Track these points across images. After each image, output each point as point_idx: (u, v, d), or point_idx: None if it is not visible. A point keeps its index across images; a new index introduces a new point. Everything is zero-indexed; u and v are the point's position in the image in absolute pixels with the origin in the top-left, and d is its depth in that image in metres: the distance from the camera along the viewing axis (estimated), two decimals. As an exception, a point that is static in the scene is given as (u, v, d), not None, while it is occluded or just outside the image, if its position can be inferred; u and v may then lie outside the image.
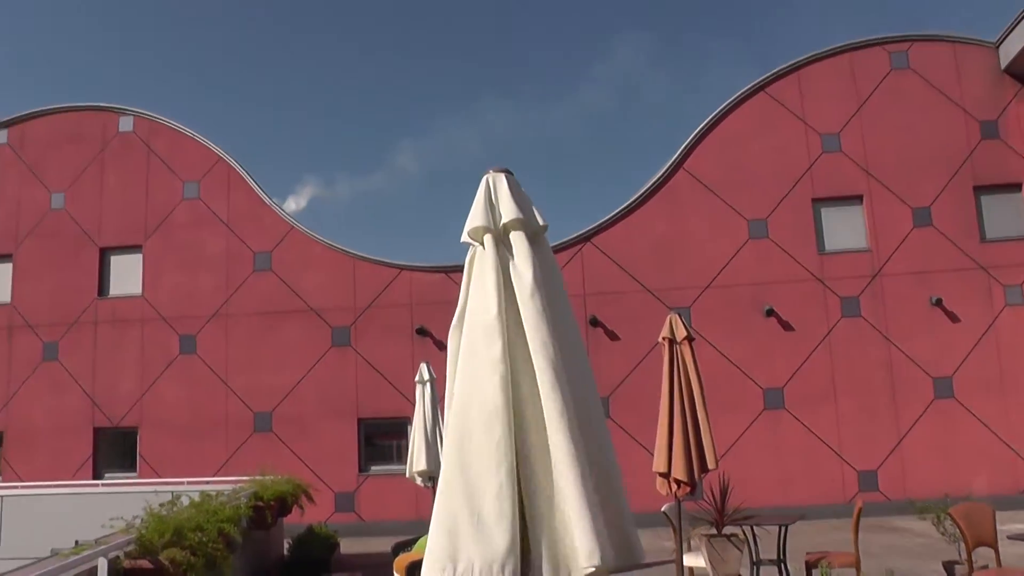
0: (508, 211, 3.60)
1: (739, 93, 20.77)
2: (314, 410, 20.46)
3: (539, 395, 3.32)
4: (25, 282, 22.35)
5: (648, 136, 42.80)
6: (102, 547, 7.00)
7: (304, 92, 46.48)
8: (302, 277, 21.20)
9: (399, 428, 19.69)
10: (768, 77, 20.76)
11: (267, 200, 21.90)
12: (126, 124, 22.97)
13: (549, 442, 3.26)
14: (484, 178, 3.75)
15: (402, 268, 20.94)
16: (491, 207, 3.65)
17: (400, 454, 19.73)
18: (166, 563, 7.21)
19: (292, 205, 38.15)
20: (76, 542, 7.66)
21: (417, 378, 12.97)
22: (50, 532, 11.67)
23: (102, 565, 6.66)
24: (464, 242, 3.72)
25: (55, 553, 7.24)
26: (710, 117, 20.71)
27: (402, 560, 9.34)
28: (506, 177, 3.72)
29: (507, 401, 3.35)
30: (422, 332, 20.25)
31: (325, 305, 20.93)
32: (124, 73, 48.16)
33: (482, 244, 3.62)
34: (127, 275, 22.07)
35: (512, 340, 3.45)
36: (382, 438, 20.58)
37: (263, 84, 47.75)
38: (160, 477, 19.36)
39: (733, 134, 20.61)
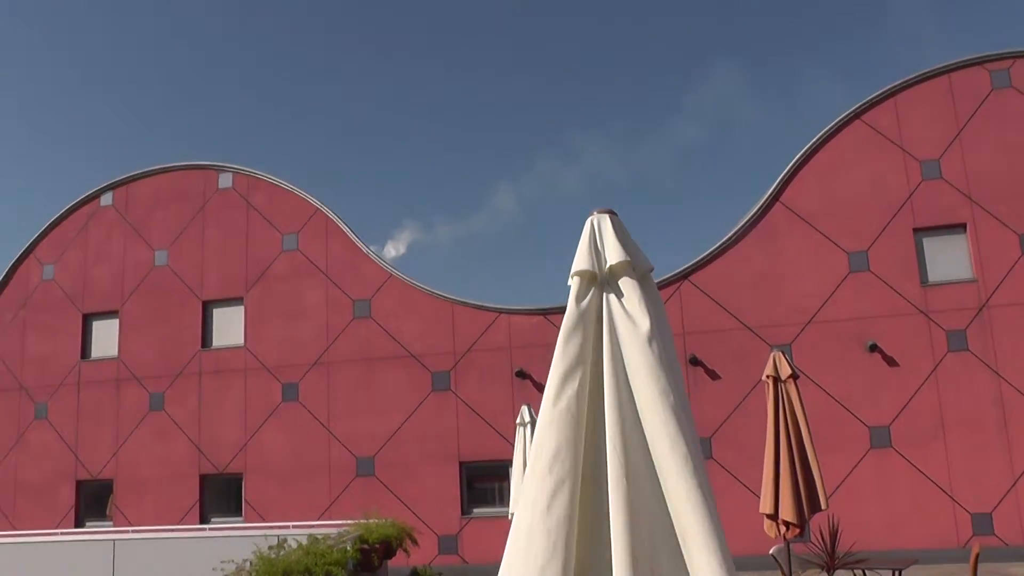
0: (614, 253, 3.58)
1: (834, 122, 20.31)
2: (416, 454, 20.60)
3: (655, 440, 3.31)
4: (131, 337, 23.21)
5: (742, 166, 42.39)
6: (216, 591, 7.16)
7: (401, 136, 47.32)
8: (401, 323, 21.47)
9: (501, 471, 19.70)
10: (863, 104, 20.25)
11: (364, 249, 22.30)
12: (225, 181, 23.73)
13: (674, 489, 3.23)
14: (588, 220, 3.73)
15: (500, 311, 21.02)
16: (596, 250, 3.64)
17: (502, 496, 19.75)
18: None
19: (391, 251, 38.75)
20: (190, 587, 7.84)
21: (518, 420, 13.02)
22: (162, 575, 11.97)
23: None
24: (570, 286, 3.72)
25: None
26: (805, 148, 20.30)
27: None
28: (611, 218, 3.70)
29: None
30: (522, 375, 20.27)
31: (424, 350, 21.13)
32: (226, 124, 49.82)
33: (585, 286, 3.62)
34: (229, 327, 22.72)
35: (592, 383, 3.48)
36: (484, 481, 20.61)
37: (361, 132, 48.81)
38: (265, 521, 19.71)
39: (829, 165, 20.16)
